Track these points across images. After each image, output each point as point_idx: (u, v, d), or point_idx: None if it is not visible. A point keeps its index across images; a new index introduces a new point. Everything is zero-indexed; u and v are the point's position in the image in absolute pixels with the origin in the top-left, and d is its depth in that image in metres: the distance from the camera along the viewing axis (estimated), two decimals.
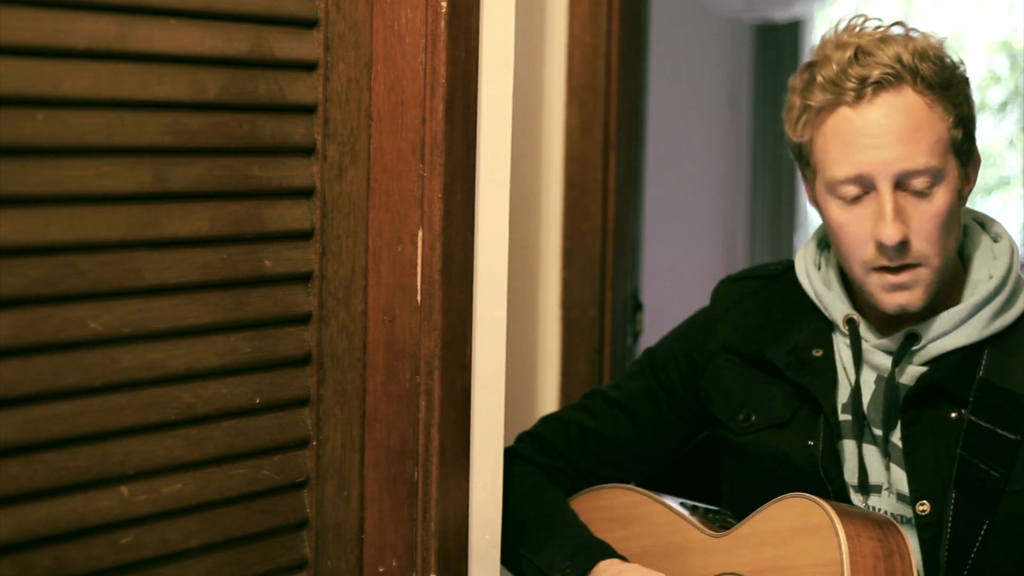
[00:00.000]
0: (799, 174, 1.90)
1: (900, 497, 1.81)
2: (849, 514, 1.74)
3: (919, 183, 1.74)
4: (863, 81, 1.73)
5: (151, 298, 1.50)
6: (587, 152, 2.51)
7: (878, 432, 1.82)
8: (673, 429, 2.01)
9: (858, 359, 1.83)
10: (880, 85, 1.73)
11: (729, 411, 1.93)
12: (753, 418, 1.90)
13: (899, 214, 1.73)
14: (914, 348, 1.81)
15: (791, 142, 1.84)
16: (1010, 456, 1.76)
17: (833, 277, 1.90)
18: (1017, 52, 6.48)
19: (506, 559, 1.89)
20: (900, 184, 1.74)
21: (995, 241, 1.88)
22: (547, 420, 2.07)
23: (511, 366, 1.88)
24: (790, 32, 6.42)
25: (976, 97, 1.84)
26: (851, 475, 1.83)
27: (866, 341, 1.84)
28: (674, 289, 4.22)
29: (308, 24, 1.64)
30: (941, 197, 1.75)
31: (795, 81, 1.83)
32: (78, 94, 1.42)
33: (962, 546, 1.76)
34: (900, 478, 1.81)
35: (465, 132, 1.72)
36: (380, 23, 1.68)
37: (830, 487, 1.82)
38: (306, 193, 1.66)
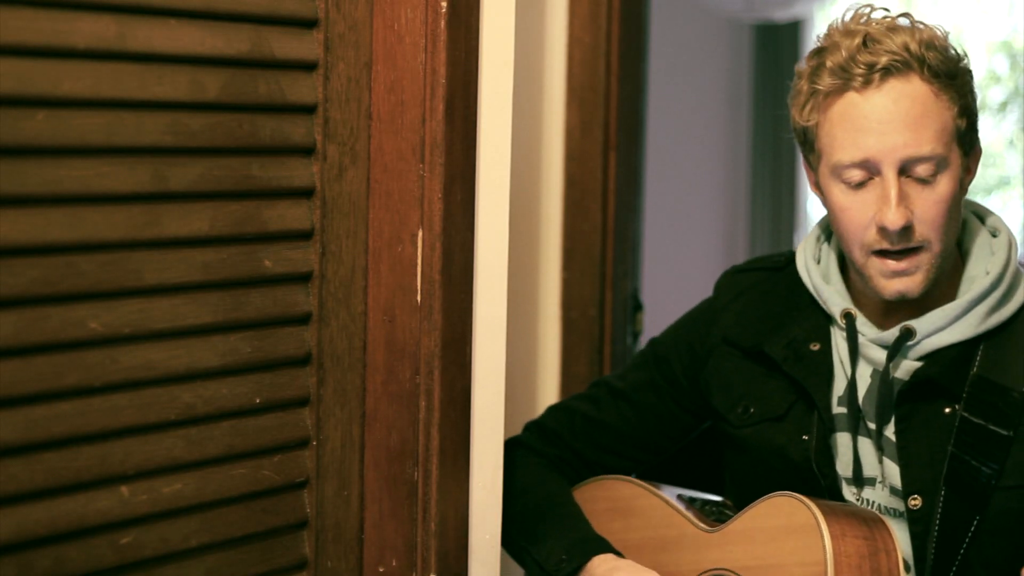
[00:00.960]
0: (800, 168, 1.92)
1: (893, 491, 1.82)
2: (836, 513, 1.75)
3: (923, 170, 1.75)
4: (871, 67, 1.74)
5: (151, 298, 1.50)
6: (587, 152, 2.51)
7: (872, 426, 1.83)
8: (676, 420, 2.02)
9: (854, 353, 1.84)
10: (888, 71, 1.75)
11: (728, 403, 1.94)
12: (751, 411, 1.92)
13: (903, 199, 1.74)
14: (909, 343, 1.81)
15: (797, 126, 1.85)
16: (1002, 452, 1.77)
17: (832, 271, 1.91)
18: (1017, 52, 6.49)
19: (509, 549, 1.92)
20: (904, 170, 1.75)
21: (993, 236, 1.89)
22: (553, 410, 2.08)
23: (511, 366, 1.88)
24: (790, 32, 6.42)
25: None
26: (845, 468, 1.84)
27: (862, 335, 1.85)
28: (674, 289, 4.22)
29: (308, 24, 1.64)
30: (944, 185, 1.76)
31: (802, 66, 1.84)
32: (78, 94, 1.42)
33: (951, 541, 1.77)
34: (893, 472, 1.82)
35: (465, 132, 1.72)
36: (380, 23, 1.68)
37: (823, 481, 1.84)
38: (306, 193, 1.66)
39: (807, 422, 1.86)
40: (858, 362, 1.84)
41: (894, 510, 1.82)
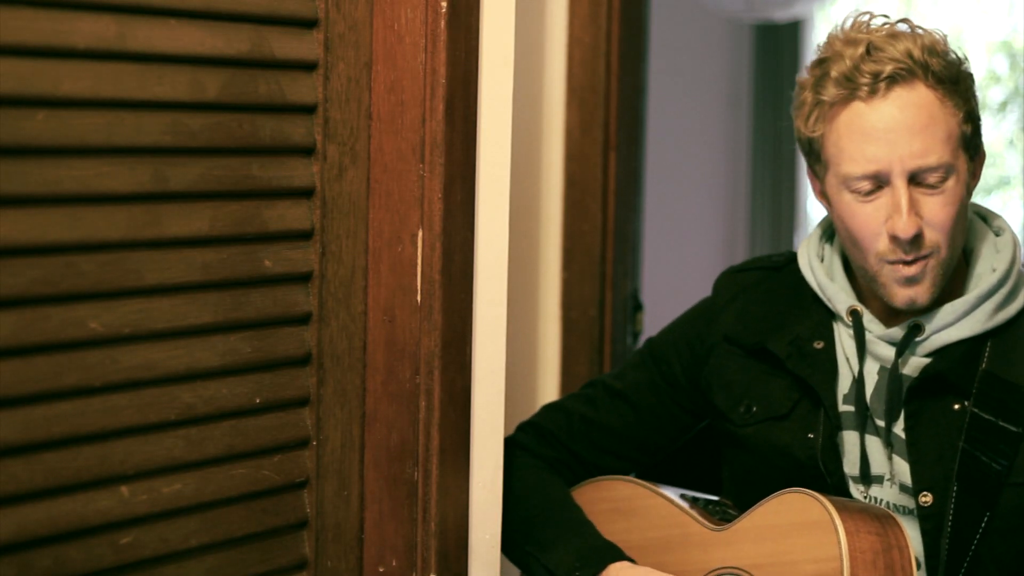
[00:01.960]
0: (801, 172, 1.91)
1: (903, 488, 1.82)
2: (849, 509, 1.75)
3: (932, 178, 1.76)
4: (876, 76, 1.75)
5: (151, 298, 1.50)
6: (587, 152, 2.51)
7: (880, 423, 1.83)
8: (675, 419, 2.02)
9: (861, 350, 1.84)
10: (893, 80, 1.75)
11: (730, 402, 1.94)
12: (754, 409, 1.91)
13: (913, 207, 1.75)
14: (918, 339, 1.82)
15: (802, 137, 1.85)
16: (1012, 449, 1.77)
17: (836, 269, 1.91)
18: (1017, 52, 6.48)
19: (511, 555, 1.90)
20: (913, 178, 1.76)
21: (997, 235, 1.90)
22: (549, 409, 2.07)
23: (511, 366, 1.88)
24: (790, 32, 6.42)
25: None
26: (852, 466, 1.84)
27: (869, 332, 1.85)
28: (674, 289, 4.21)
29: (308, 24, 1.64)
30: (952, 191, 1.77)
31: (805, 77, 1.84)
32: (78, 94, 1.42)
33: (963, 538, 1.77)
34: (903, 469, 1.82)
35: (465, 132, 1.72)
36: (380, 23, 1.69)
37: (829, 480, 1.83)
38: (306, 193, 1.66)
39: (812, 420, 1.86)
40: (865, 359, 1.85)
41: (903, 507, 1.82)
